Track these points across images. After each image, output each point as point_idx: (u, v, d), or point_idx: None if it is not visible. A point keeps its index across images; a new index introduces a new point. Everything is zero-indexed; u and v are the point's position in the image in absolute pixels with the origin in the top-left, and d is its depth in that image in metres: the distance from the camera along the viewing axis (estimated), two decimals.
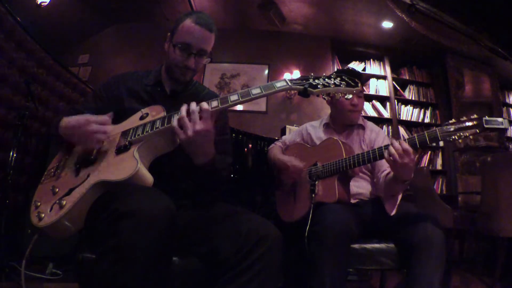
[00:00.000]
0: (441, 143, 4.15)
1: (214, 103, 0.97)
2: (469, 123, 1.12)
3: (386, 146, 1.26)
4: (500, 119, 1.09)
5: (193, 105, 0.95)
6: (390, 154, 1.21)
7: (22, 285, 1.43)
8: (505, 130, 1.11)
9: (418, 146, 1.22)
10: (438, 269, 1.20)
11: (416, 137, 1.22)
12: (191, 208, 1.11)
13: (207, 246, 0.96)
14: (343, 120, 1.73)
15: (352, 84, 1.00)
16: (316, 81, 0.99)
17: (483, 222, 2.46)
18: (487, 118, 1.10)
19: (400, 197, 1.45)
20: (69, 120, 1.06)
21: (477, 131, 1.11)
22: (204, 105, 0.94)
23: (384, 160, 1.30)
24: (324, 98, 1.21)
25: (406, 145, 1.20)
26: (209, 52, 1.18)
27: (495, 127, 1.09)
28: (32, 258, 2.01)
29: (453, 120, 1.16)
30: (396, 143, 1.22)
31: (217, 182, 1.12)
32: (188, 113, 0.94)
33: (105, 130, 1.01)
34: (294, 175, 1.59)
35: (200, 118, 0.93)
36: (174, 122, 0.95)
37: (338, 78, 1.00)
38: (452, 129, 1.15)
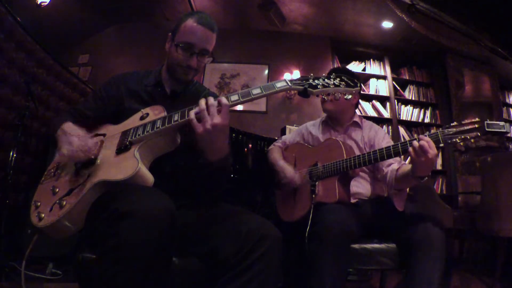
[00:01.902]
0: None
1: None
2: (470, 127, 1.12)
3: (411, 142, 1.22)
4: (501, 123, 1.09)
5: (212, 99, 0.96)
6: (421, 147, 1.16)
7: (22, 285, 1.43)
8: (506, 133, 1.11)
9: None
10: (438, 268, 1.20)
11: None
12: (191, 208, 1.11)
13: (207, 246, 0.96)
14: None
15: (352, 84, 1.01)
16: (316, 81, 0.99)
17: (483, 222, 2.46)
18: (488, 121, 1.10)
19: (407, 191, 1.44)
20: (69, 126, 1.08)
21: (479, 134, 1.11)
22: (223, 99, 0.95)
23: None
24: (324, 98, 1.21)
25: (429, 140, 1.17)
26: (211, 52, 1.19)
27: (496, 130, 1.09)
28: (32, 258, 2.01)
29: (455, 123, 1.16)
30: (425, 137, 1.18)
31: (221, 181, 1.12)
32: (207, 106, 0.94)
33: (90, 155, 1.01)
34: (290, 185, 1.59)
35: (218, 112, 0.94)
36: (192, 115, 0.95)
37: (338, 79, 1.01)
38: (453, 132, 1.15)
